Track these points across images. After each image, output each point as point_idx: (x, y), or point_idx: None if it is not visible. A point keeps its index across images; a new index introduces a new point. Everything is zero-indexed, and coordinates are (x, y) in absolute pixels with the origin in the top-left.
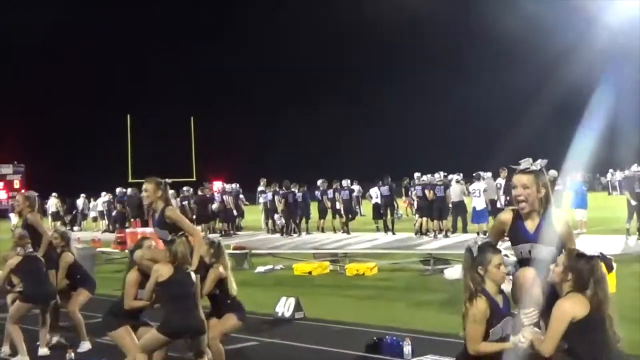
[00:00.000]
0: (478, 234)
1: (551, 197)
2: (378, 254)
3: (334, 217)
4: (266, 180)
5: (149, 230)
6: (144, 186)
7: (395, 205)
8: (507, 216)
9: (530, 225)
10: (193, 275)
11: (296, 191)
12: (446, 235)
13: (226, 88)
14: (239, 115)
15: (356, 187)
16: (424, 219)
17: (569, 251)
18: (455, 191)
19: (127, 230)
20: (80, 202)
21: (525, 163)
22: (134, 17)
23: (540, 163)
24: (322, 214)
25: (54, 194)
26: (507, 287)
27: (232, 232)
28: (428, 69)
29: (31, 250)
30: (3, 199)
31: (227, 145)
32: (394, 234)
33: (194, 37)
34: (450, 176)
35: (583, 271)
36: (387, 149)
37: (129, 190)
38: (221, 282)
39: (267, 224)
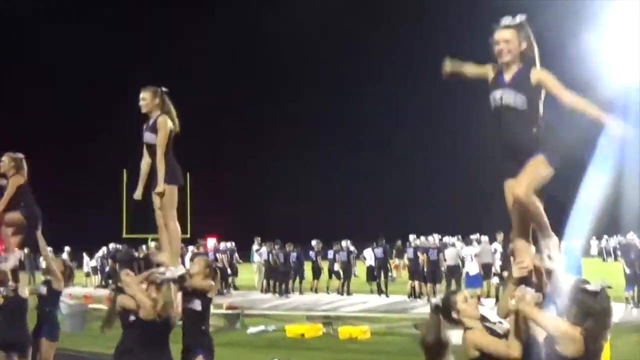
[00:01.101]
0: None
1: (534, 49)
2: (371, 317)
3: (330, 278)
4: (260, 238)
5: None
6: (141, 95)
7: (389, 267)
8: (490, 68)
9: (507, 75)
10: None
11: (291, 250)
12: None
13: (221, 144)
14: (234, 172)
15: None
16: (417, 282)
17: (575, 282)
18: (450, 254)
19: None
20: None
21: (506, 20)
22: (134, 72)
23: (520, 17)
24: (317, 274)
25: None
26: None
27: (225, 290)
28: (424, 124)
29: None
30: None
31: (222, 202)
32: (387, 296)
33: (187, 94)
34: (445, 239)
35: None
36: (382, 209)
37: (120, 246)
38: None
39: (261, 283)
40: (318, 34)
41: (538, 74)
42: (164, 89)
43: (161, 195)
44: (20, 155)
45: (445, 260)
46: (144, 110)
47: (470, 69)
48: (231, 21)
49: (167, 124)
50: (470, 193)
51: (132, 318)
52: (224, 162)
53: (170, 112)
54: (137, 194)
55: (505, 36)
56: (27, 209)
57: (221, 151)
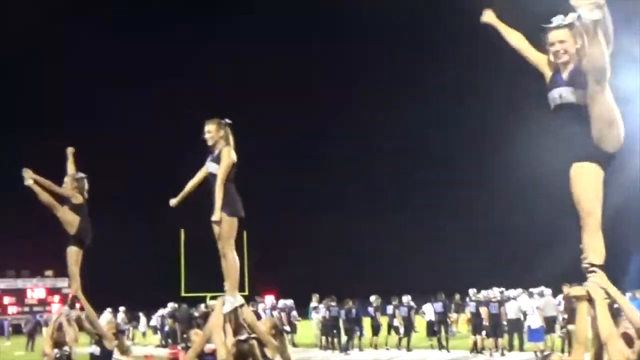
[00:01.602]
0: (535, 353)
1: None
2: None
3: (389, 333)
4: (318, 295)
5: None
6: (206, 127)
7: (449, 322)
8: (545, 64)
9: (565, 73)
10: None
11: (350, 307)
12: (502, 354)
13: (276, 200)
14: (291, 229)
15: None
16: (479, 336)
17: None
18: (512, 308)
19: (179, 346)
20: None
21: (557, 20)
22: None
23: (572, 16)
24: (376, 330)
25: (108, 309)
26: None
27: None
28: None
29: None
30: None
31: (279, 260)
32: (448, 351)
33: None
34: (507, 292)
35: None
36: (439, 263)
37: (178, 305)
38: None
39: (320, 340)
40: None
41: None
42: (227, 120)
43: (218, 224)
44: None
45: (506, 314)
46: (209, 142)
47: (512, 38)
48: None
49: (231, 155)
50: (532, 244)
51: None
52: (279, 218)
53: (228, 140)
54: (173, 202)
55: (560, 37)
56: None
57: (275, 206)
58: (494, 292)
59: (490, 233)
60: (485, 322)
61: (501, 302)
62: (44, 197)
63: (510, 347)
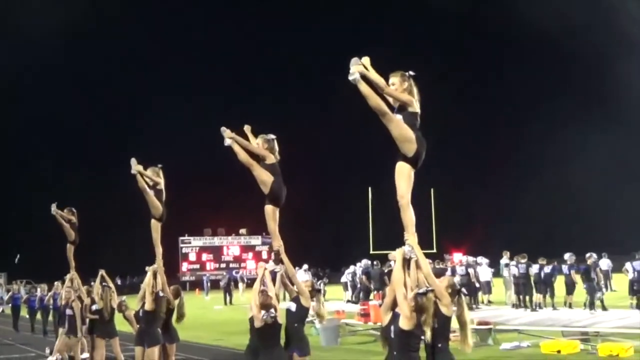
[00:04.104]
0: None
1: None
2: (634, 334)
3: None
4: (510, 252)
5: None
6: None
7: None
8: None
9: None
10: None
11: (544, 264)
12: None
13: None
14: (479, 186)
15: (606, 261)
16: None
17: None
18: None
19: (371, 302)
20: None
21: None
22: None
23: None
24: (570, 289)
25: (305, 265)
26: None
27: (474, 305)
28: None
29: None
30: (252, 268)
31: (466, 217)
32: None
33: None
34: None
35: None
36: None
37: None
38: None
39: (511, 297)
40: None
41: None
42: (411, 73)
43: None
44: None
45: None
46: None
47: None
48: None
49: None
50: None
51: None
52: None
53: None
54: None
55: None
56: None
57: (462, 168)
58: None
59: None
60: None
61: None
62: (243, 155)
63: None
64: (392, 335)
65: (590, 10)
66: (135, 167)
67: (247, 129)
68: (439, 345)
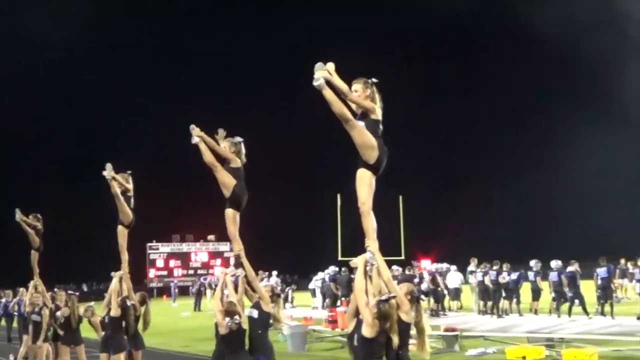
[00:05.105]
0: None
1: None
2: (598, 340)
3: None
4: (477, 260)
5: None
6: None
7: (614, 287)
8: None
9: None
10: None
11: (505, 271)
12: None
13: (433, 165)
14: (446, 193)
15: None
16: None
17: None
18: None
19: (338, 309)
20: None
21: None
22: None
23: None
24: (536, 295)
25: (274, 272)
26: None
27: (441, 312)
28: None
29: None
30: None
31: (435, 224)
32: (613, 318)
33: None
34: None
35: None
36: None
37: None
38: None
39: (478, 304)
40: None
41: None
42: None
43: None
44: None
45: None
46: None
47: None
48: None
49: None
50: None
51: None
52: (436, 183)
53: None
54: None
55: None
56: None
57: (432, 174)
58: None
59: None
60: None
61: None
62: (208, 156)
63: None
64: (356, 343)
65: (593, 12)
66: (110, 173)
67: (220, 132)
68: (400, 352)
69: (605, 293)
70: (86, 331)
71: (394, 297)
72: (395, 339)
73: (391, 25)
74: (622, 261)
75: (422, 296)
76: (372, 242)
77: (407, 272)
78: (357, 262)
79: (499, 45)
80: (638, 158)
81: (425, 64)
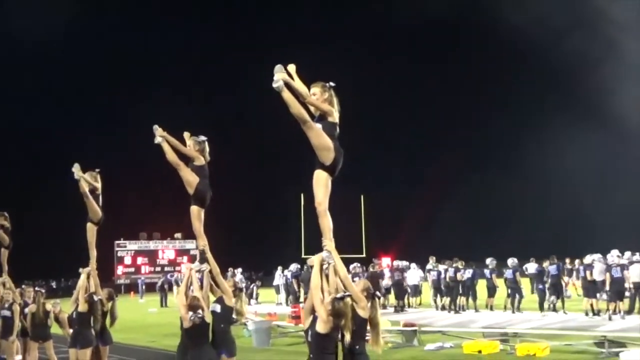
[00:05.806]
0: None
1: None
2: (550, 335)
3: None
4: (435, 258)
5: None
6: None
7: (563, 284)
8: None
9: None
10: None
11: (461, 268)
12: (623, 317)
13: (394, 165)
14: (406, 193)
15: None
16: (593, 300)
17: None
18: (635, 271)
19: (301, 305)
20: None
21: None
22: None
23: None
24: (491, 292)
25: (239, 268)
26: None
27: (399, 308)
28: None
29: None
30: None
31: (395, 222)
32: (565, 313)
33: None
34: (628, 255)
35: None
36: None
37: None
38: None
39: (435, 300)
40: None
41: None
42: (331, 84)
43: None
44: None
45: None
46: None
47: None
48: None
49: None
50: None
51: None
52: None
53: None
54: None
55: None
56: None
57: (392, 174)
58: (612, 257)
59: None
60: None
61: (624, 266)
62: (170, 155)
63: (631, 310)
64: (309, 339)
65: (572, 13)
66: (78, 172)
67: (186, 135)
68: (357, 347)
69: (556, 289)
70: (55, 327)
71: (349, 295)
72: (348, 337)
73: (344, 28)
74: (567, 260)
75: (379, 293)
76: (328, 242)
77: (371, 269)
78: (314, 260)
79: (466, 45)
80: (596, 159)
81: (385, 65)
